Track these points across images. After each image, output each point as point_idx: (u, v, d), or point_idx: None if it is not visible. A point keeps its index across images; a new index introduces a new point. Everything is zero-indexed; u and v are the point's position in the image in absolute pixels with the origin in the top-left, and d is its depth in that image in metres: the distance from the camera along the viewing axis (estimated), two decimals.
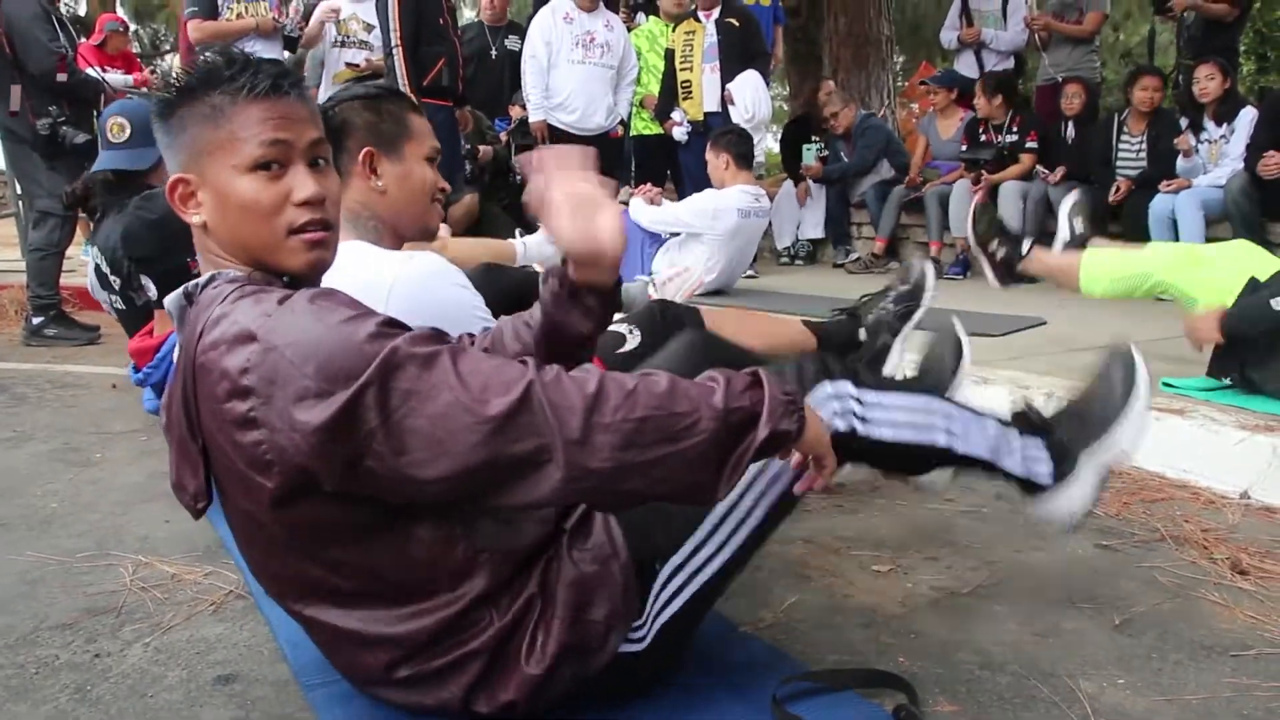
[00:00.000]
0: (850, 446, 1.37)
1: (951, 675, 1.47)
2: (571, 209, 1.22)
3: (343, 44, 5.37)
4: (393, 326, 1.06)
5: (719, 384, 1.10)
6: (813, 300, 4.45)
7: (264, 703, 1.41)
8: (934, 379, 1.95)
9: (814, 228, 6.64)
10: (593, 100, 5.73)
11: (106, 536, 2.10)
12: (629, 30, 6.10)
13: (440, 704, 1.23)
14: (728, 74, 5.65)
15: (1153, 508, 2.22)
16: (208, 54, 1.22)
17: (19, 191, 5.23)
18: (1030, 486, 1.57)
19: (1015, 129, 5.70)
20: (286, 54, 5.21)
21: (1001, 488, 1.67)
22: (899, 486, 2.31)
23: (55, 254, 4.63)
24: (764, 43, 6.07)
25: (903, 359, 2.35)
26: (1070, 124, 5.67)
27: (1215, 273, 2.69)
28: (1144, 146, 5.27)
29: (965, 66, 6.55)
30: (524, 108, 6.14)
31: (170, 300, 1.20)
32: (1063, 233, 2.98)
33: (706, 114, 5.76)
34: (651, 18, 6.35)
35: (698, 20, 5.79)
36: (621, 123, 5.99)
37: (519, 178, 6.38)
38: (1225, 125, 4.94)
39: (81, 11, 13.37)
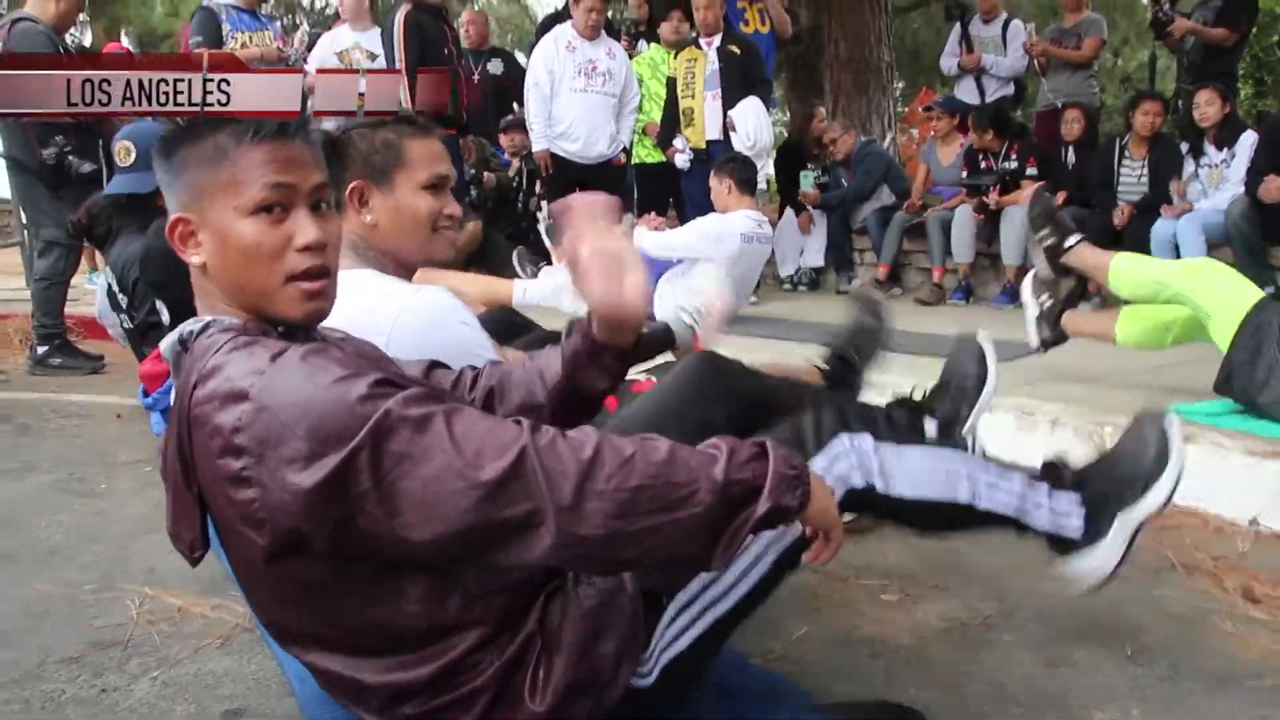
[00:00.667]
0: (869, 503, 1.36)
1: (963, 706, 1.47)
2: (600, 270, 1.21)
3: None
4: (386, 386, 1.04)
5: (721, 453, 1.08)
6: (815, 328, 4.44)
7: None
8: (955, 392, 1.86)
9: (816, 255, 6.65)
10: (595, 128, 5.75)
11: (112, 568, 2.10)
12: (630, 58, 6.14)
13: None
14: (729, 101, 5.67)
15: (1162, 535, 2.20)
16: None
17: (24, 221, 5.24)
18: (1058, 542, 1.52)
19: (1014, 156, 5.73)
20: None
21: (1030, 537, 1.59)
22: None
23: (60, 283, 4.65)
24: (765, 70, 6.11)
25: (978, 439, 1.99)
26: (1070, 149, 5.70)
27: (1228, 282, 2.66)
28: (1145, 171, 5.28)
29: (966, 92, 6.61)
30: (512, 137, 6.25)
31: (165, 345, 1.20)
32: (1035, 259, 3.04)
33: (708, 141, 5.77)
34: (653, 45, 6.39)
35: (699, 48, 5.83)
36: (624, 150, 6.02)
37: (522, 205, 6.43)
38: (1226, 150, 4.97)
39: (87, 42, 13.43)
